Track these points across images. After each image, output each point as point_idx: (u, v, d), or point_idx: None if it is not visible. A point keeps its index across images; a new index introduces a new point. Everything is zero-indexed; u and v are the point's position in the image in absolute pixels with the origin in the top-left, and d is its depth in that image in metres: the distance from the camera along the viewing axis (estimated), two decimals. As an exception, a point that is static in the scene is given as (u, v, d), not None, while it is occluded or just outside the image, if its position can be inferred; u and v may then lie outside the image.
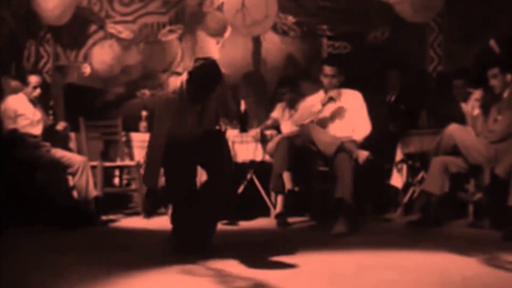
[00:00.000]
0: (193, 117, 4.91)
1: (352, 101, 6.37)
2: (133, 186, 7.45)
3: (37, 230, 6.07)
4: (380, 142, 6.75)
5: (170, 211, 6.92)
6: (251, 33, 8.02)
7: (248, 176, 7.02)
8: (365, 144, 6.28)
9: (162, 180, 5.01)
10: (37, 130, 6.75)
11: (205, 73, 4.67)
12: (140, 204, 7.14)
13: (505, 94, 6.12)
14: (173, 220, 5.12)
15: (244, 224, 6.48)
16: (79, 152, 7.13)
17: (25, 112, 6.72)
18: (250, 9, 7.58)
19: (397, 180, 6.95)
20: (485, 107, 6.21)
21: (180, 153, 4.87)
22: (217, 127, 5.13)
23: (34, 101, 6.81)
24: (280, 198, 6.38)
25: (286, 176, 6.29)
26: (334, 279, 4.05)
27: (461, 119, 6.57)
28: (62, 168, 6.58)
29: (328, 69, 6.38)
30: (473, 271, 4.30)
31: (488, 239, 5.53)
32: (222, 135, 5.16)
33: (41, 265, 4.56)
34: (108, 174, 7.42)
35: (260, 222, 6.70)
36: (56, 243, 5.56)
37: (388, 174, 6.99)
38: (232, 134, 6.89)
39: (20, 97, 6.79)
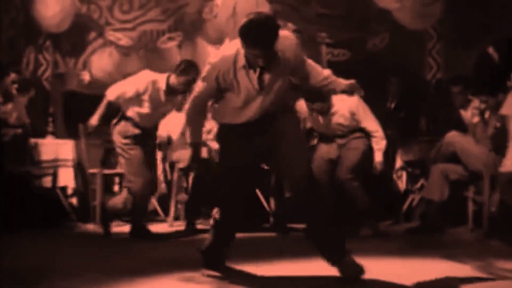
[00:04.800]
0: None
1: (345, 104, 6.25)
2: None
3: (36, 234, 6.10)
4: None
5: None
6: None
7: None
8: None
9: None
10: None
11: (258, 26, 3.84)
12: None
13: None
14: None
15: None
16: (79, 159, 7.14)
17: None
18: (240, 16, 7.63)
19: (397, 190, 6.97)
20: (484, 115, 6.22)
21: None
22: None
23: None
24: (279, 204, 6.40)
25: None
26: (333, 286, 4.04)
27: (460, 126, 6.58)
28: None
29: None
30: (473, 278, 4.30)
31: (488, 247, 5.53)
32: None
33: (40, 270, 4.56)
34: (108, 181, 7.41)
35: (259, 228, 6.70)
36: (55, 248, 5.56)
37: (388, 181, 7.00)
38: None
39: None
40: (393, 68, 7.87)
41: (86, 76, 8.35)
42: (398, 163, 6.97)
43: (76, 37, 8.46)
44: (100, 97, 8.35)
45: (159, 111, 6.06)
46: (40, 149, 7.12)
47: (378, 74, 7.80)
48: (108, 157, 7.56)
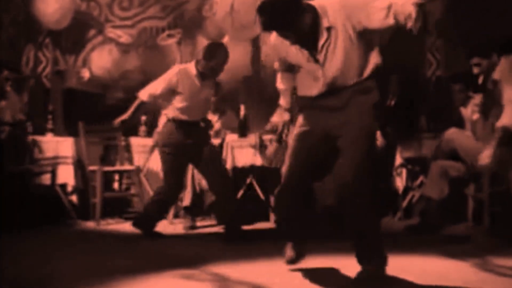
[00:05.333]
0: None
1: None
2: (133, 191, 7.45)
3: (36, 233, 6.10)
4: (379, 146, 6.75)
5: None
6: (240, 37, 8.04)
7: (248, 181, 7.02)
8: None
9: None
10: None
11: (268, 9, 3.71)
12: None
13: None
14: None
15: (244, 228, 6.47)
16: (79, 156, 7.14)
17: None
18: (239, 13, 7.63)
19: (396, 184, 6.96)
20: (485, 112, 6.20)
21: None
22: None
23: None
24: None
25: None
26: (332, 283, 4.05)
27: (460, 123, 6.57)
28: None
29: None
30: (472, 276, 4.31)
31: (487, 244, 5.54)
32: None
33: (40, 269, 4.56)
34: (107, 178, 7.41)
35: (259, 226, 6.70)
36: (55, 247, 5.56)
37: (387, 178, 7.00)
38: (231, 139, 6.89)
39: None
40: (392, 66, 7.86)
41: (86, 74, 8.34)
42: (398, 160, 6.97)
43: (76, 34, 8.45)
44: (99, 94, 8.40)
45: (199, 99, 5.92)
46: (40, 147, 7.12)
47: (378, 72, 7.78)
48: (108, 154, 7.57)
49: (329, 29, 3.79)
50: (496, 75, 5.83)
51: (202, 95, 5.97)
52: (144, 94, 5.98)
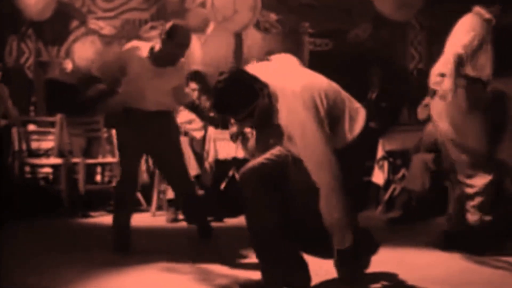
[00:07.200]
0: None
1: None
2: (115, 183, 7.42)
3: (18, 227, 6.08)
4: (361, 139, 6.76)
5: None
6: (226, 29, 8.06)
7: (230, 173, 7.03)
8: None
9: None
10: None
11: None
12: None
13: None
14: None
15: (228, 221, 6.48)
16: (61, 148, 7.11)
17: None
18: (218, 6, 7.65)
19: (378, 177, 6.98)
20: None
21: None
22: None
23: None
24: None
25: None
26: (315, 276, 4.06)
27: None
28: None
29: None
30: (455, 267, 4.34)
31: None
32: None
33: (26, 263, 4.55)
34: (90, 171, 7.38)
35: (243, 220, 6.69)
36: (38, 241, 5.54)
37: (369, 171, 7.02)
38: (213, 131, 6.88)
39: None
40: (375, 58, 7.90)
41: (68, 65, 8.31)
42: (380, 153, 7.00)
43: (58, 25, 8.42)
44: (82, 86, 8.35)
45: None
46: (23, 139, 7.09)
47: (360, 64, 7.82)
48: (91, 146, 7.55)
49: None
50: None
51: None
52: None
